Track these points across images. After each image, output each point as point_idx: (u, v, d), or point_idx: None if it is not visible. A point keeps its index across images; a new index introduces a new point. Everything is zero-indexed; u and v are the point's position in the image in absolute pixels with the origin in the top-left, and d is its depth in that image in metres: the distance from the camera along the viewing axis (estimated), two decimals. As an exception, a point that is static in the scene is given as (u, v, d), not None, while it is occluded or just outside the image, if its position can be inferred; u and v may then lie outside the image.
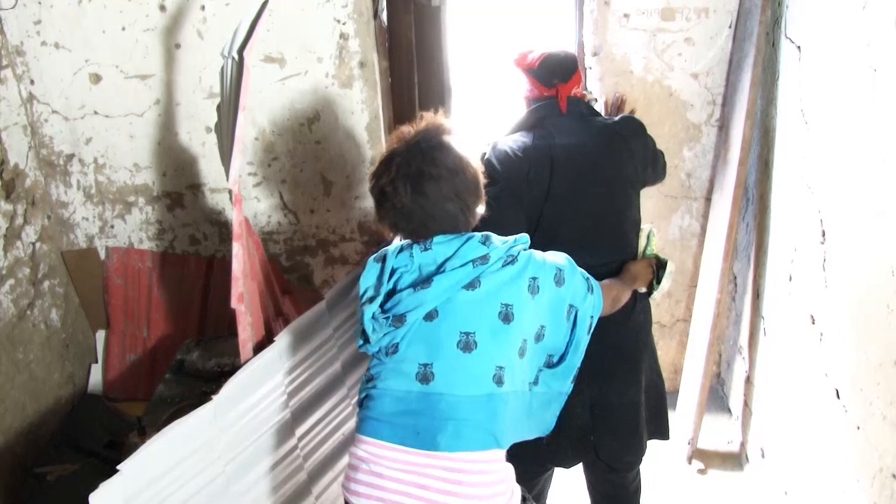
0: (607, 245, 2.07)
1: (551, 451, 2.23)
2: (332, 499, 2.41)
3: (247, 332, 2.17)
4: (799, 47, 2.50)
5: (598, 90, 3.06)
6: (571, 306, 1.81)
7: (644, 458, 2.37)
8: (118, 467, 1.74)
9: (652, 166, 2.33)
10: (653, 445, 3.23)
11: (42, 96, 3.15)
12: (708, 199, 3.22)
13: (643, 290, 2.24)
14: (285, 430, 2.24)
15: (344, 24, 2.98)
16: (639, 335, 2.26)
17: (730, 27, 2.94)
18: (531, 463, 2.05)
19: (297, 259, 3.43)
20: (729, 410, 3.39)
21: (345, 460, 2.48)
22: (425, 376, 1.68)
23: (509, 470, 1.74)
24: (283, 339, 2.26)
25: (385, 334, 1.71)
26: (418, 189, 1.69)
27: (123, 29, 3.02)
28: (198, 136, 3.21)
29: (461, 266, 1.68)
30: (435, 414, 1.66)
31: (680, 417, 3.30)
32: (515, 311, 1.69)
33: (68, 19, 3.01)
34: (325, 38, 3.00)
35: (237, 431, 2.06)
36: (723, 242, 2.95)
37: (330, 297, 2.52)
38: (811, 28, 2.43)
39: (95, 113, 3.17)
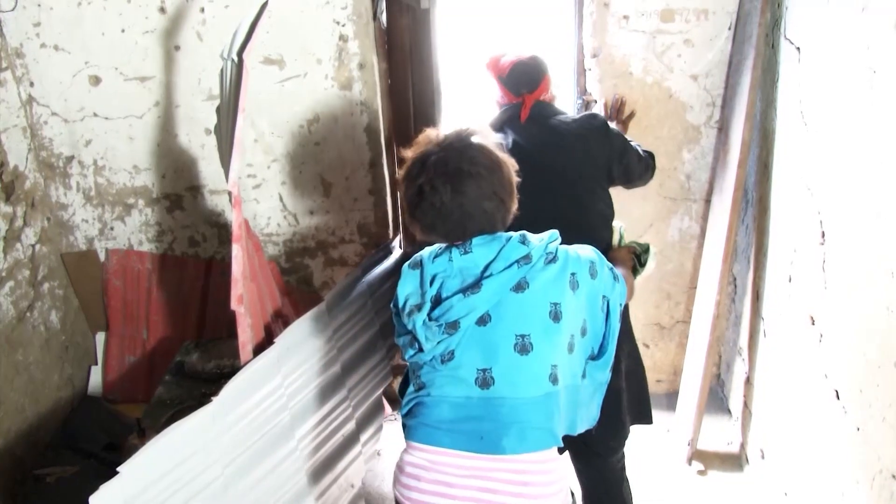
0: (573, 238, 2.04)
1: None
2: (332, 501, 2.41)
3: (246, 334, 2.17)
4: (798, 49, 2.50)
5: (597, 92, 3.06)
6: (604, 297, 1.82)
7: (627, 442, 2.44)
8: (118, 469, 1.74)
9: (619, 163, 2.37)
10: (651, 444, 3.24)
11: (41, 98, 3.15)
12: (707, 201, 3.22)
13: None
14: (285, 432, 2.24)
15: (343, 25, 2.98)
16: None
17: (729, 29, 2.94)
18: None
19: (296, 261, 3.43)
20: (729, 412, 3.39)
21: (345, 461, 2.49)
22: (485, 381, 1.68)
23: (565, 467, 1.78)
24: (282, 341, 2.26)
25: (439, 342, 1.70)
26: (458, 188, 1.68)
27: (123, 31, 3.02)
28: (197, 138, 3.21)
29: (506, 268, 1.68)
30: (498, 418, 1.67)
31: (680, 418, 3.30)
32: (563, 308, 1.70)
33: (67, 22, 3.01)
34: (324, 39, 3.01)
35: (237, 433, 2.06)
36: (722, 244, 2.95)
37: (329, 298, 2.52)
38: (811, 30, 2.44)
39: (95, 115, 3.18)
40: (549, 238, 1.75)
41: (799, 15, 2.51)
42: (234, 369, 2.14)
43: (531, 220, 1.92)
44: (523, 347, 1.67)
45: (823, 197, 2.33)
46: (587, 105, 3.10)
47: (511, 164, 1.78)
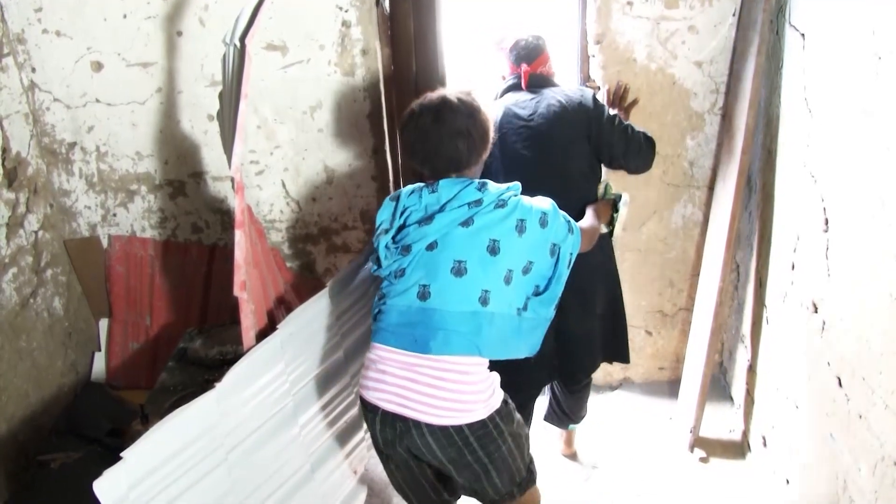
0: (552, 185, 2.42)
1: (529, 377, 2.70)
2: (335, 486, 2.42)
3: (249, 320, 2.17)
4: (803, 35, 2.49)
5: (601, 78, 3.05)
6: (555, 244, 2.11)
7: (594, 373, 2.89)
8: (121, 455, 1.75)
9: (597, 126, 2.62)
10: (654, 431, 3.25)
11: (43, 84, 3.15)
12: (711, 188, 3.21)
13: (605, 229, 2.61)
14: (288, 417, 2.25)
15: (346, 11, 2.97)
16: (594, 275, 2.65)
17: (733, 15, 2.92)
18: (515, 392, 2.27)
19: (299, 247, 3.43)
20: (731, 399, 3.39)
21: (348, 448, 2.50)
22: (423, 294, 2.01)
23: (491, 377, 2.06)
24: (285, 328, 2.26)
25: (394, 261, 2.07)
26: (439, 116, 2.03)
27: (125, 16, 3.01)
28: (200, 125, 3.21)
29: (458, 207, 2.02)
30: (429, 324, 1.99)
31: (682, 406, 3.31)
32: (501, 245, 2.00)
33: (69, 7, 3.00)
34: (327, 25, 2.99)
35: (240, 419, 2.07)
36: (725, 231, 2.94)
37: (332, 285, 2.52)
38: (815, 16, 2.42)
39: (97, 101, 3.17)
40: (506, 188, 2.06)
41: (803, 1, 2.50)
42: (237, 355, 2.14)
43: (518, 168, 2.29)
44: (458, 271, 1.99)
45: (827, 184, 2.32)
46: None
47: (489, 119, 2.11)
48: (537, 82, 2.70)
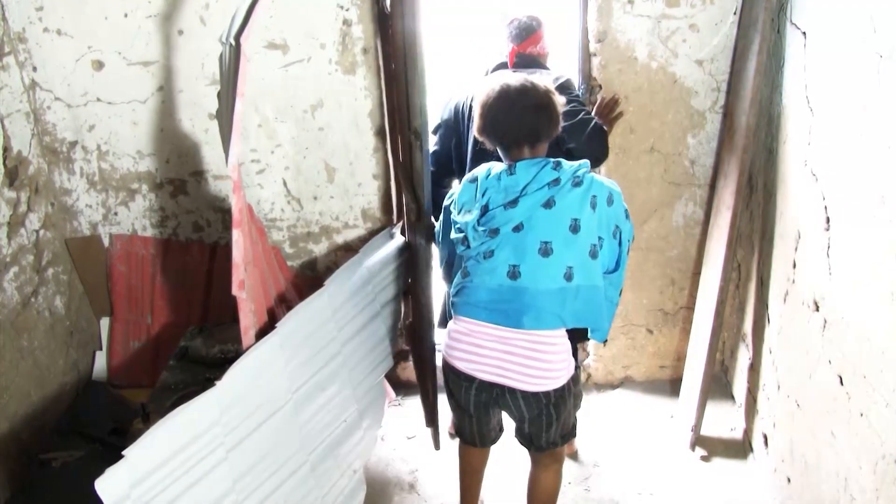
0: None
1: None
2: (334, 486, 2.42)
3: (249, 319, 2.17)
4: (804, 33, 2.49)
5: (601, 77, 3.04)
6: (617, 227, 2.26)
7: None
8: (123, 453, 1.75)
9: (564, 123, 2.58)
10: (655, 430, 3.25)
11: (44, 83, 3.15)
12: (712, 187, 3.21)
13: None
14: (288, 416, 2.25)
15: (347, 10, 2.97)
16: None
17: (735, 13, 2.92)
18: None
19: (300, 246, 3.43)
20: (732, 398, 3.39)
21: (347, 446, 2.50)
22: (514, 274, 2.18)
23: (569, 345, 2.27)
24: (285, 326, 2.26)
25: (482, 242, 2.22)
26: (524, 92, 2.19)
27: (126, 15, 3.02)
28: (200, 123, 3.21)
29: (539, 189, 2.15)
30: (521, 302, 2.18)
31: (683, 405, 3.31)
32: (582, 223, 2.16)
33: (70, 6, 3.00)
34: (328, 24, 3.00)
35: (240, 418, 2.07)
36: (726, 230, 2.94)
37: (332, 283, 2.52)
38: (817, 14, 2.42)
39: (98, 100, 3.17)
40: (578, 166, 2.18)
41: (805, -1, 2.50)
42: (238, 354, 2.14)
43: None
44: (545, 251, 2.15)
45: (829, 182, 2.32)
46: (592, 90, 3.09)
47: (560, 105, 2.25)
48: (524, 62, 2.78)
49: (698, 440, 3.16)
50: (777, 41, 2.72)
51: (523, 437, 2.47)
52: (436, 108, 2.81)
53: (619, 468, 3.08)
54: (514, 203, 2.17)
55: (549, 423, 2.33)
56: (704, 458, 3.10)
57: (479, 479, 2.73)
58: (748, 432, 3.11)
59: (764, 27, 2.69)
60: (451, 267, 2.47)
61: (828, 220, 2.31)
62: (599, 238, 2.21)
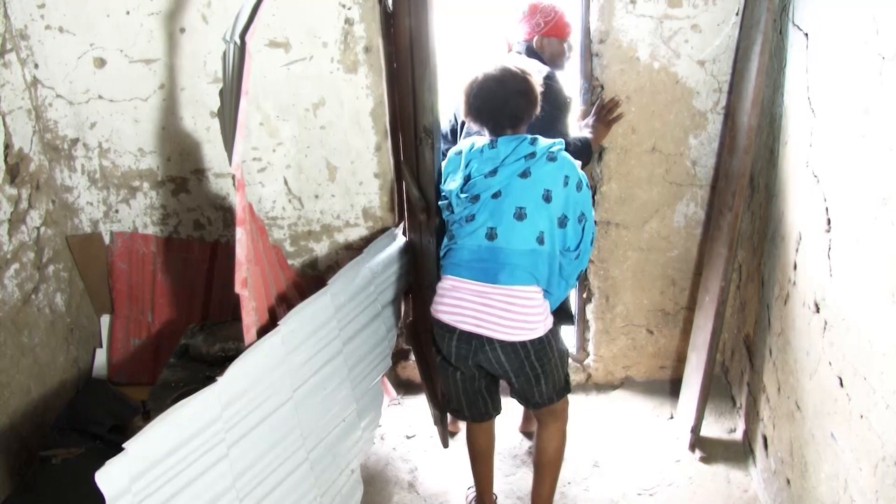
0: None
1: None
2: (332, 484, 2.42)
3: (250, 317, 2.18)
4: (806, 35, 2.48)
5: (603, 77, 3.04)
6: (583, 214, 2.47)
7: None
8: (123, 446, 1.75)
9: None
10: (654, 430, 3.25)
11: (46, 80, 3.15)
12: (713, 187, 3.21)
13: None
14: (288, 414, 2.25)
15: (349, 8, 2.97)
16: None
17: (737, 14, 2.92)
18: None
19: (301, 244, 3.43)
20: (732, 399, 3.39)
21: (345, 445, 2.50)
22: (491, 235, 2.40)
23: (545, 302, 2.47)
24: (286, 324, 2.26)
25: (465, 208, 2.45)
26: (503, 80, 2.41)
27: (128, 13, 3.02)
28: (202, 121, 3.21)
29: (516, 161, 2.39)
30: (497, 260, 2.39)
31: (683, 405, 3.31)
32: (553, 194, 2.38)
33: (72, 3, 3.01)
34: (330, 22, 2.99)
35: (241, 415, 2.07)
36: (727, 230, 2.94)
37: (333, 283, 2.52)
38: (819, 15, 2.42)
39: (100, 97, 3.17)
40: (552, 143, 2.42)
41: (807, 0, 2.49)
42: (238, 352, 2.15)
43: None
44: (520, 216, 2.38)
45: (830, 184, 2.31)
46: (593, 90, 3.09)
47: (538, 89, 2.44)
48: (522, 49, 2.89)
49: (698, 441, 3.16)
50: (779, 42, 2.71)
51: (518, 394, 2.63)
52: (445, 108, 2.82)
53: (618, 468, 3.08)
54: (493, 172, 2.41)
55: (536, 377, 2.50)
56: (704, 459, 3.10)
57: (488, 465, 2.84)
58: (748, 433, 3.11)
59: (766, 28, 2.68)
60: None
61: (829, 221, 2.31)
62: (564, 216, 2.42)
